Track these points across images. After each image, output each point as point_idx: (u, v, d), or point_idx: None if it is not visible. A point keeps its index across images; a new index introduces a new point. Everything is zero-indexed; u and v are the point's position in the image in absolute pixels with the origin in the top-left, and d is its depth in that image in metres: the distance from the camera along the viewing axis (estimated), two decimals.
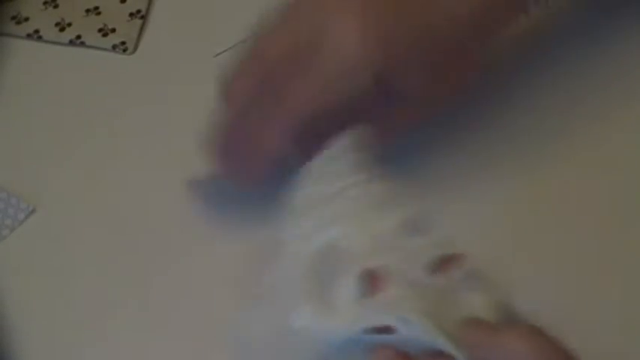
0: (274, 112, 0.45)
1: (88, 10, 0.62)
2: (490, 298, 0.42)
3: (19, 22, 0.61)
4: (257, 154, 0.46)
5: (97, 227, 0.52)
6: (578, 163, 0.51)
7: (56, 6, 0.62)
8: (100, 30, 0.61)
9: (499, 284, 0.43)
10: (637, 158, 0.52)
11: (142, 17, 0.62)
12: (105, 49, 0.60)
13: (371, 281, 0.42)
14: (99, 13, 0.62)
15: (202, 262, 0.49)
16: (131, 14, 0.62)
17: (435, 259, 0.42)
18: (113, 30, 0.61)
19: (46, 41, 0.61)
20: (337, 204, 0.44)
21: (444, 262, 0.42)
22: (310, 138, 0.44)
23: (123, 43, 0.60)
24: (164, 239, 0.51)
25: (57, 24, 0.61)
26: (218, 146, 0.47)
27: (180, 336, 0.46)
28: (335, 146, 0.44)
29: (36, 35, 0.61)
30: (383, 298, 0.41)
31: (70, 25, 0.61)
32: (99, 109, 0.57)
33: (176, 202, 0.52)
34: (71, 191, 0.54)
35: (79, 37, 0.60)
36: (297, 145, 0.45)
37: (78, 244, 0.51)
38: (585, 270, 0.48)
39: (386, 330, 0.40)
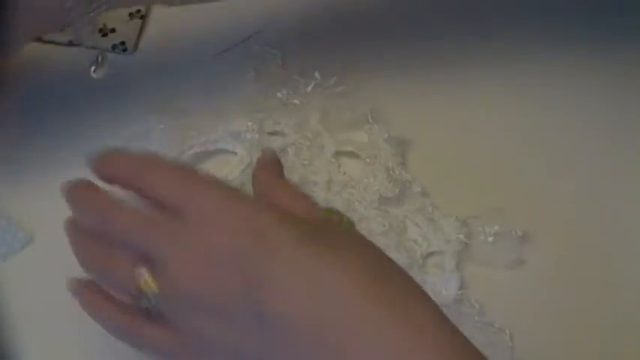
0: None
1: None
2: None
3: None
4: None
5: None
6: None
7: None
8: (99, 30, 0.61)
9: None
10: None
11: (142, 17, 0.62)
12: (105, 49, 0.60)
13: None
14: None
15: None
16: (131, 14, 0.62)
17: None
18: (113, 30, 0.61)
19: (46, 41, 0.61)
20: None
21: None
22: None
23: (122, 43, 0.60)
24: None
25: None
26: None
27: None
28: None
29: None
30: None
31: (69, 25, 0.61)
32: (99, 109, 0.57)
33: None
34: None
35: None
36: None
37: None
38: None
39: None
